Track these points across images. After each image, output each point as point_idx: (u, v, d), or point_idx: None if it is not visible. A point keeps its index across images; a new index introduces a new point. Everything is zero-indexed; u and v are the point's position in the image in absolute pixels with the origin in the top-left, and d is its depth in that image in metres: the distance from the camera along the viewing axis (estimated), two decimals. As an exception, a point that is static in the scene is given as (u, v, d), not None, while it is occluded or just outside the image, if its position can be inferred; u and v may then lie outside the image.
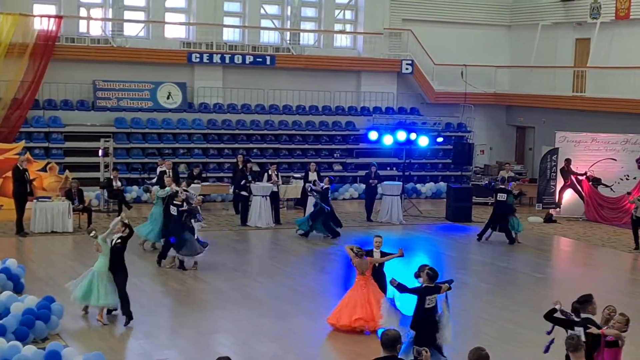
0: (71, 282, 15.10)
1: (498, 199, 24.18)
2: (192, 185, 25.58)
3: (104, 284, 14.59)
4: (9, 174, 23.84)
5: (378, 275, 15.16)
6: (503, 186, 24.41)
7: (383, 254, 15.21)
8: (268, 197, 25.31)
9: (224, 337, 14.24)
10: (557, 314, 10.79)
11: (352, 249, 14.66)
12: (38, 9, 29.66)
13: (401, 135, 27.85)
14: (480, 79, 35.12)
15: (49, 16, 29.05)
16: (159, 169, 26.15)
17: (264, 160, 31.22)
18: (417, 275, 12.60)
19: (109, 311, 14.82)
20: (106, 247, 14.78)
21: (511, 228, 23.76)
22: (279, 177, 26.55)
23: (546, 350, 11.00)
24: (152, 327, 14.49)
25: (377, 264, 15.09)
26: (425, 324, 12.07)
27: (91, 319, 14.74)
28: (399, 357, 8.30)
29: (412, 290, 12.21)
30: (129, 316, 14.43)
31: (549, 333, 11.02)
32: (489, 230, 24.04)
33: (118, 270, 14.76)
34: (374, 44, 34.48)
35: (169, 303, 16.33)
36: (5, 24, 28.06)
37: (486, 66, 35.06)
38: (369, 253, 14.95)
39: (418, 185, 32.92)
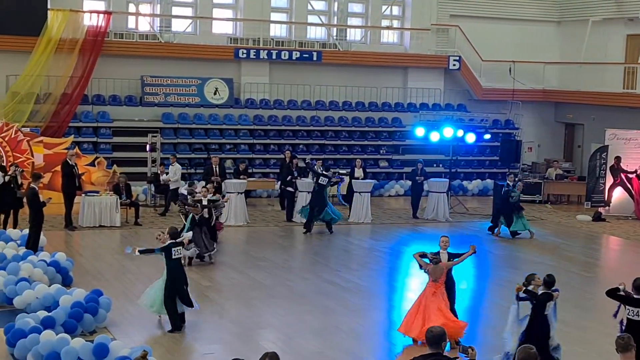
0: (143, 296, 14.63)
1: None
2: (238, 180, 25.73)
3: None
4: (58, 168, 24.10)
5: (446, 279, 14.08)
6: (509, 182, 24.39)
7: (451, 255, 14.22)
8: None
9: (269, 332, 14.26)
10: (620, 293, 11.75)
11: (423, 256, 13.82)
12: (88, 5, 29.95)
13: (448, 132, 27.68)
14: (529, 76, 34.77)
15: (99, 12, 29.32)
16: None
17: (310, 156, 31.19)
18: (525, 285, 12.22)
19: None
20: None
21: (522, 227, 24.03)
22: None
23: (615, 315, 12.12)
24: (198, 322, 14.55)
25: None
26: (542, 330, 12.22)
27: (141, 316, 14.85)
28: (444, 354, 8.21)
29: (536, 296, 12.12)
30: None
31: (615, 315, 12.12)
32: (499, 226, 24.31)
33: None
34: (421, 39, 34.31)
35: (216, 298, 16.38)
36: (55, 20, 28.38)
37: (535, 62, 34.71)
38: (436, 256, 13.94)
39: (464, 183, 32.72)
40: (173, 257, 14.09)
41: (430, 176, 27.72)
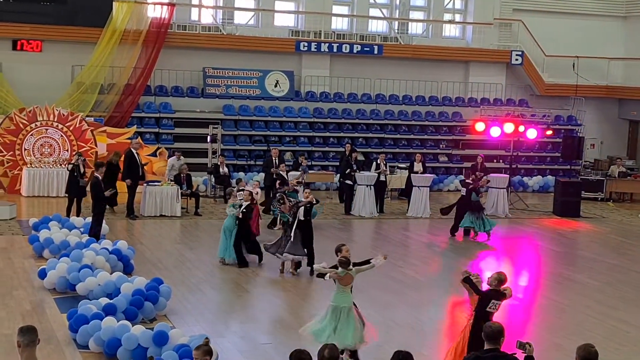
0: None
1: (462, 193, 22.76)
2: (297, 173, 25.80)
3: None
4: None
5: None
6: (470, 181, 22.55)
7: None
8: (372, 187, 25.28)
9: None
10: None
11: (469, 278, 11.74)
12: (152, -4, 30.31)
13: (509, 127, 27.47)
14: (593, 71, 34.30)
15: (162, 4, 29.63)
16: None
17: (369, 149, 31.24)
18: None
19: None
20: None
21: (469, 223, 22.13)
22: (387, 167, 26.51)
23: None
24: (257, 312, 14.66)
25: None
26: None
27: (200, 305, 15.01)
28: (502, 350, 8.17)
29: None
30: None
31: None
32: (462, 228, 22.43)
33: None
34: (484, 34, 34.05)
35: (274, 289, 16.47)
36: (120, 12, 28.75)
37: (599, 58, 34.23)
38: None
39: (525, 179, 32.42)
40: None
41: (491, 172, 27.50)
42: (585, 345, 7.98)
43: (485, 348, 8.14)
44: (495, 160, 31.94)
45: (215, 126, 28.24)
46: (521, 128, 27.59)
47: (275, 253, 17.44)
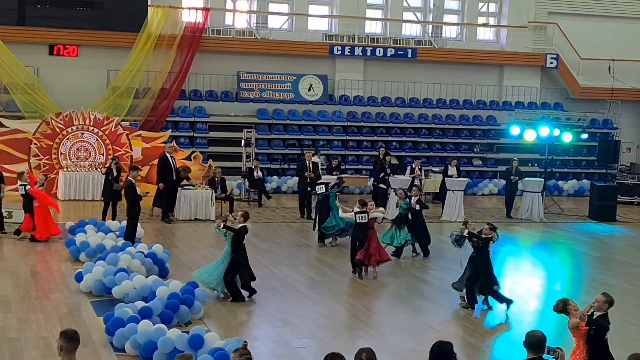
0: None
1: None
2: (330, 177, 25.83)
3: None
4: (155, 161, 24.58)
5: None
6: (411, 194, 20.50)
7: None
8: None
9: (363, 329, 14.26)
10: None
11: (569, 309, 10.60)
12: (187, 1, 30.46)
13: (544, 131, 27.28)
14: (629, 74, 34.02)
15: (197, 8, 29.81)
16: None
17: (403, 153, 31.21)
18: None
19: None
20: None
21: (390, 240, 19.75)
22: (422, 171, 26.45)
23: None
24: (291, 316, 14.67)
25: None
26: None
27: (234, 308, 15.06)
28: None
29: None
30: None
31: None
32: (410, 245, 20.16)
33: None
34: (518, 37, 33.89)
35: (307, 292, 16.48)
36: (155, 17, 28.96)
37: (635, 61, 33.93)
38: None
39: (560, 183, 32.22)
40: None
41: (525, 175, 27.36)
42: (636, 354, 7.89)
43: (528, 357, 8.07)
44: (530, 164, 31.78)
45: (249, 130, 28.35)
46: (556, 131, 27.41)
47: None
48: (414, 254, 20.05)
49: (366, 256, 17.46)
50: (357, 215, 17.70)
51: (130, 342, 11.94)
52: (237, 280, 15.34)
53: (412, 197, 20.06)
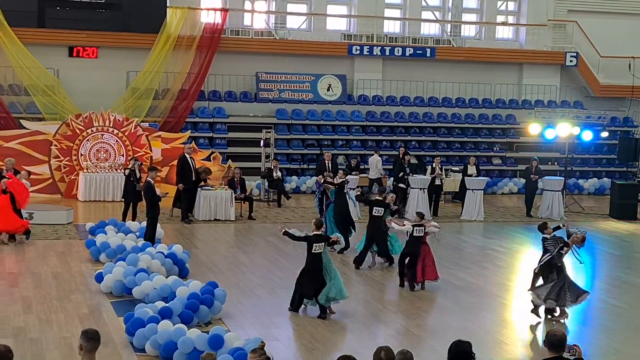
0: None
1: (373, 213, 18.36)
2: (350, 176, 25.83)
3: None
4: (175, 162, 24.66)
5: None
6: (380, 198, 18.78)
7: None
8: (426, 190, 25.20)
9: (384, 328, 14.23)
10: None
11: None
12: (205, 2, 30.53)
13: (564, 129, 27.18)
14: (649, 72, 33.85)
15: (216, 9, 29.88)
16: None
17: (422, 153, 31.18)
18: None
19: None
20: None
21: (390, 250, 18.64)
22: (442, 170, 26.42)
23: None
24: (311, 316, 14.67)
25: None
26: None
27: (254, 308, 15.08)
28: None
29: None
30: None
31: None
32: (370, 253, 18.62)
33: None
34: (537, 35, 33.77)
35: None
36: (174, 18, 29.06)
37: (656, 58, 33.78)
38: None
39: (580, 181, 32.08)
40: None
41: (545, 174, 27.26)
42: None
43: (549, 357, 8.05)
44: (550, 163, 31.67)
45: (268, 130, 28.38)
46: (576, 130, 27.29)
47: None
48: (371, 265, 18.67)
49: (423, 273, 16.51)
50: (415, 229, 16.48)
51: (150, 343, 11.98)
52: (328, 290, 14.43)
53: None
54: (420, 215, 16.92)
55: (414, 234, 16.50)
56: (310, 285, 14.37)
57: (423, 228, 16.57)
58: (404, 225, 16.93)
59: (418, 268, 16.48)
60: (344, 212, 20.05)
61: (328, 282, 14.37)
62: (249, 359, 8.17)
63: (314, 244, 14.37)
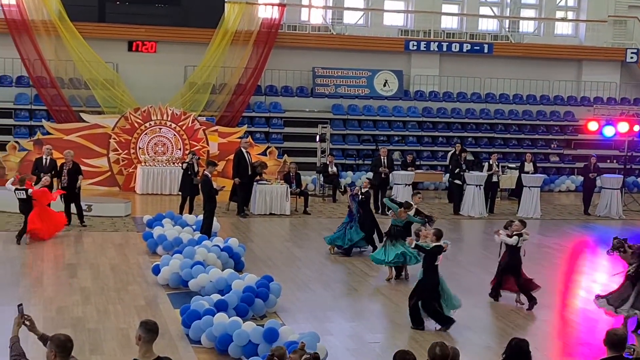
0: None
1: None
2: (405, 172, 25.81)
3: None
4: (231, 156, 24.81)
5: None
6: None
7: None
8: (482, 187, 25.04)
9: (433, 323, 14.17)
10: None
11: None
12: (262, -3, 30.72)
13: (623, 127, 26.82)
14: None
15: (273, 4, 29.97)
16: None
17: (479, 149, 30.98)
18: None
19: None
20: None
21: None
22: (499, 167, 26.23)
23: None
24: (365, 311, 14.69)
25: None
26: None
27: (309, 302, 15.13)
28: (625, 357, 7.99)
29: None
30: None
31: None
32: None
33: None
34: (598, 31, 33.33)
35: (382, 289, 16.46)
36: (232, 13, 29.23)
37: None
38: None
39: (640, 179, 31.64)
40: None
41: (604, 172, 26.91)
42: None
43: (608, 356, 7.98)
44: (608, 161, 31.27)
45: (324, 125, 28.42)
46: (636, 127, 26.93)
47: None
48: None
49: (519, 284, 15.35)
50: (520, 239, 15.33)
51: (206, 335, 12.08)
52: (446, 301, 13.88)
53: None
54: (523, 223, 15.70)
55: (518, 245, 15.35)
56: (432, 298, 13.83)
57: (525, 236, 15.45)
58: (511, 236, 15.38)
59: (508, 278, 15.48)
60: (368, 220, 19.09)
61: (443, 292, 13.87)
62: (289, 359, 8.19)
63: (437, 256, 13.83)
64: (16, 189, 18.62)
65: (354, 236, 18.69)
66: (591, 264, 19.88)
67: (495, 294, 15.61)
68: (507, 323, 14.31)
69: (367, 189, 19.33)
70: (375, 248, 18.51)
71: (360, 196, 18.89)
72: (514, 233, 15.34)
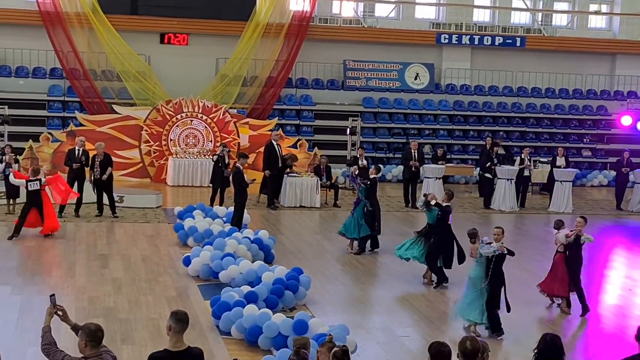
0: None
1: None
2: (436, 166, 25.74)
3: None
4: (262, 149, 24.86)
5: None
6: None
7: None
8: (513, 181, 24.91)
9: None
10: None
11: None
12: (294, -10, 30.72)
13: (657, 121, 26.57)
14: None
15: (305, -3, 29.98)
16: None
17: (510, 143, 30.80)
18: None
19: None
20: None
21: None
22: (531, 161, 26.08)
23: None
24: (395, 304, 14.69)
25: None
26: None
27: (338, 295, 15.14)
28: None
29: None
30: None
31: None
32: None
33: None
34: (632, 25, 33.01)
35: (412, 283, 16.42)
36: (263, 5, 29.26)
37: None
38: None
39: (673, 175, 31.28)
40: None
41: (637, 167, 26.67)
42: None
43: (636, 354, 7.93)
44: (642, 156, 30.98)
45: (355, 118, 28.39)
46: (670, 122, 26.67)
47: None
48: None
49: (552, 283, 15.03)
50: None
51: (236, 326, 12.14)
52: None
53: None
54: (585, 219, 14.97)
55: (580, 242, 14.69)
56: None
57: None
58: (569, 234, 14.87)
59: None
60: (374, 210, 18.25)
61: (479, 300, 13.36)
62: (317, 353, 8.19)
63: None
64: (29, 181, 18.35)
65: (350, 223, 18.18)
66: (621, 258, 19.70)
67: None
68: (537, 316, 14.23)
69: (373, 176, 18.36)
70: (376, 240, 18.43)
71: (360, 179, 18.06)
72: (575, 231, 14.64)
